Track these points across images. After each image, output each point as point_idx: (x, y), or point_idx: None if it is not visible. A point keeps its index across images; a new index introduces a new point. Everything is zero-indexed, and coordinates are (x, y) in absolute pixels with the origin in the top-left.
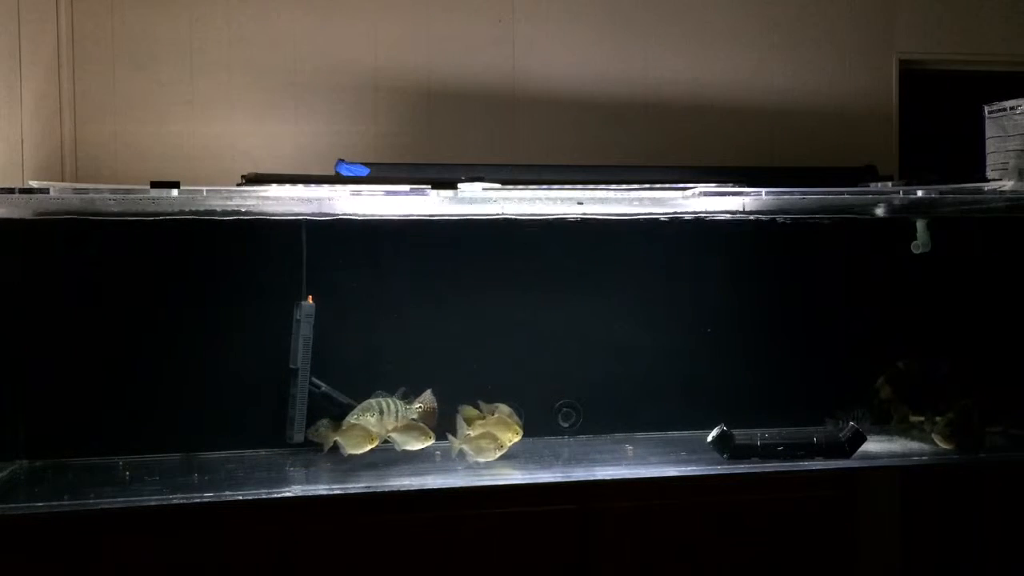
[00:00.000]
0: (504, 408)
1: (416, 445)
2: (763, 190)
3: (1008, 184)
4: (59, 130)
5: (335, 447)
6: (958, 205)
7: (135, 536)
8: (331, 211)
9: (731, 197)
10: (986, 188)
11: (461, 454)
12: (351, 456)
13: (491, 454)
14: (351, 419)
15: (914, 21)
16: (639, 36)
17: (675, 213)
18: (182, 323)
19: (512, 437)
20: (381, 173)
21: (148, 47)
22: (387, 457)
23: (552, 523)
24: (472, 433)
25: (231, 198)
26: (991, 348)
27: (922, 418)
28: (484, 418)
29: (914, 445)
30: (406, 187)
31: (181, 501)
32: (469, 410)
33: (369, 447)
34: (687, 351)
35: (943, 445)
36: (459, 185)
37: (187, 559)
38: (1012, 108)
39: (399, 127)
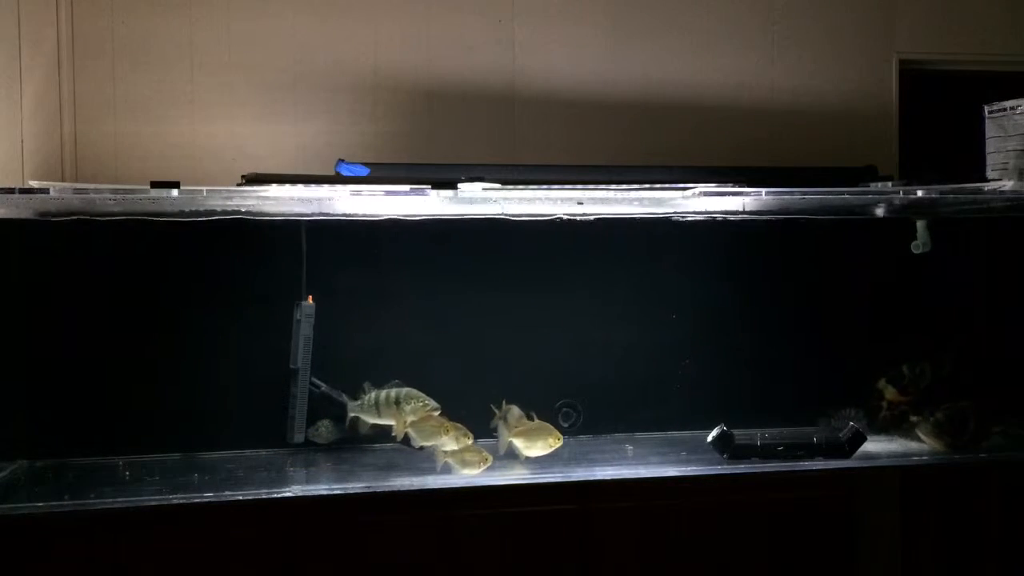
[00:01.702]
0: (515, 410)
1: (452, 445)
2: (763, 190)
3: (1008, 184)
4: (59, 130)
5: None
6: (958, 205)
7: (135, 536)
8: (331, 211)
9: (731, 197)
10: (986, 188)
11: (446, 467)
12: (422, 448)
13: (476, 467)
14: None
15: (914, 21)
16: (639, 36)
17: (675, 213)
18: (182, 323)
19: (553, 443)
20: (381, 173)
21: (148, 47)
22: (387, 457)
23: (552, 523)
24: (514, 439)
25: (231, 198)
26: (991, 348)
27: (920, 418)
28: (523, 424)
29: (913, 445)
30: (406, 187)
31: (181, 501)
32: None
33: (445, 437)
34: (687, 351)
35: (930, 443)
36: (459, 185)
37: (187, 559)
38: (1012, 108)
39: (399, 127)
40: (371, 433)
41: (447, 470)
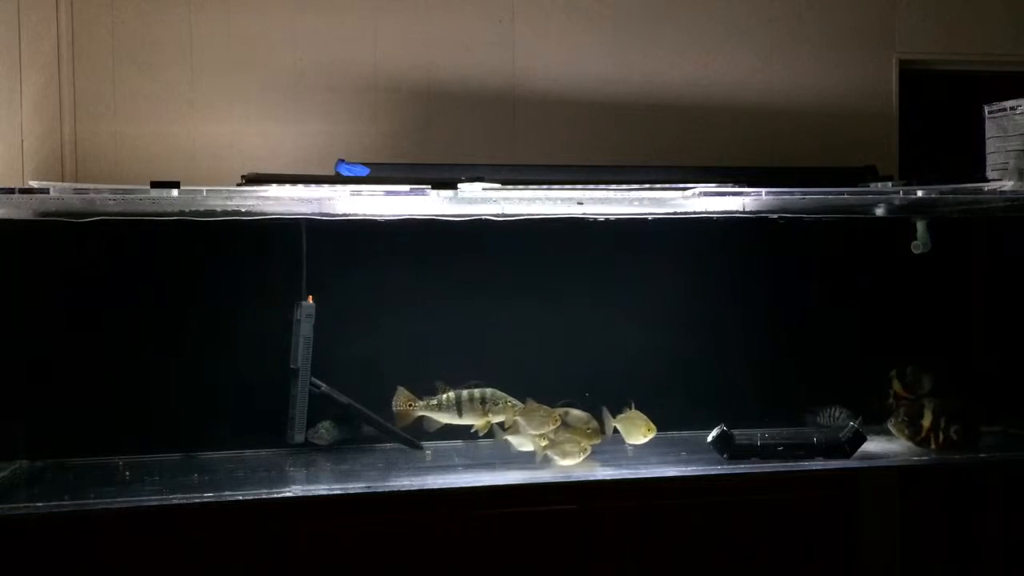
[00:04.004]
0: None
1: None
2: (763, 190)
3: (1008, 184)
4: (59, 130)
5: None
6: (958, 205)
7: (135, 536)
8: (331, 211)
9: (731, 197)
10: (986, 188)
11: (546, 460)
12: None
13: (576, 456)
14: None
15: (914, 21)
16: (639, 36)
17: (675, 213)
18: (182, 323)
19: (647, 432)
20: (381, 173)
21: (148, 47)
22: (387, 457)
23: (552, 523)
24: (619, 427)
25: (231, 198)
26: (990, 348)
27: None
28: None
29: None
30: (406, 187)
31: (181, 501)
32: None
33: (552, 427)
34: (687, 351)
35: (895, 434)
36: (459, 185)
37: (187, 559)
38: (1012, 108)
39: (399, 127)
40: (372, 434)
41: (547, 463)
